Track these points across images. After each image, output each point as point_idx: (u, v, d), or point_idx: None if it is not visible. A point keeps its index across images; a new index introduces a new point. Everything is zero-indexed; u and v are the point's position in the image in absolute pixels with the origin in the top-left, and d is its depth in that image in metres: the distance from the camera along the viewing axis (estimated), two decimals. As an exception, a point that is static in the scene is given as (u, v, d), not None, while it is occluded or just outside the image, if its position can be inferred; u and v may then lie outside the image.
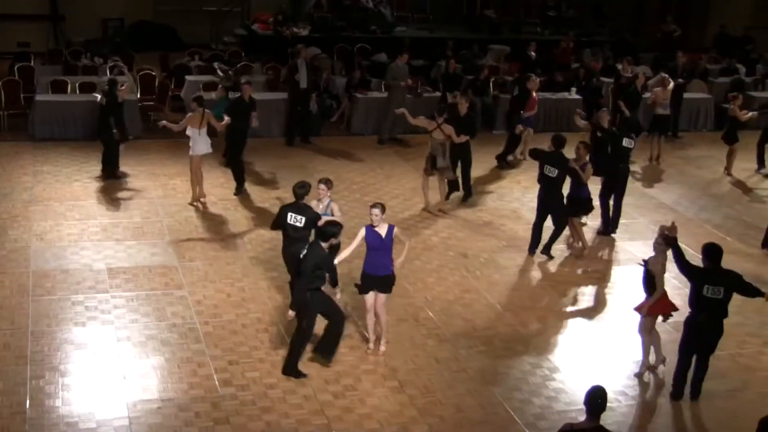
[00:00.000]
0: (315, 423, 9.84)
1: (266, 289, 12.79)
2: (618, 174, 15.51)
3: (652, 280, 10.99)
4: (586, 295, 13.62)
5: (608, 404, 10.24)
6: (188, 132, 15.72)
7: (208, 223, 15.28)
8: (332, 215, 11.90)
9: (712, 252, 10.40)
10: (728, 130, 19.61)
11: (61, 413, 9.72)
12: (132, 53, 24.41)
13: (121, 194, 16.40)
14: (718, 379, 11.04)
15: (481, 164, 18.92)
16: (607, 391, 10.64)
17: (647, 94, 21.41)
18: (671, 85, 20.52)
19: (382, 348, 11.35)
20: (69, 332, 11.45)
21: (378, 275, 11.08)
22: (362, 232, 11.05)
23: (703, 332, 10.43)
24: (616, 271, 14.55)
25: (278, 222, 11.87)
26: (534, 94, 19.35)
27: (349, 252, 11.27)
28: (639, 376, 11.21)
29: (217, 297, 12.57)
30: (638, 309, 11.24)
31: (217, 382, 10.47)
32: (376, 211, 10.96)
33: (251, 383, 10.51)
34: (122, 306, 12.20)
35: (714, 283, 10.24)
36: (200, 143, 15.71)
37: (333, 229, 10.73)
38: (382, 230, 10.97)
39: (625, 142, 15.39)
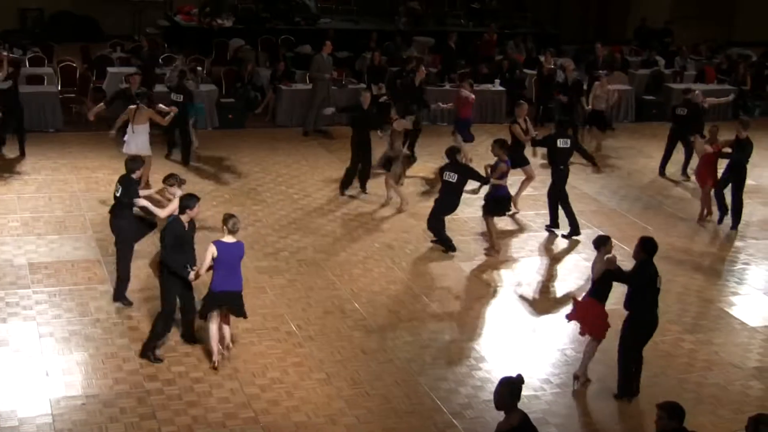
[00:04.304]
0: (242, 416, 9.81)
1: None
2: (557, 175, 15.39)
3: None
4: (511, 286, 13.76)
5: (534, 392, 10.47)
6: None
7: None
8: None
9: (652, 245, 10.47)
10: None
11: (-18, 411, 9.57)
12: (52, 44, 23.98)
13: (43, 188, 16.12)
14: (639, 366, 11.27)
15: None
16: (533, 378, 10.87)
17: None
18: (608, 86, 20.85)
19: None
20: (-11, 329, 11.26)
21: (237, 289, 10.51)
22: (212, 249, 10.14)
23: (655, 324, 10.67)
24: (539, 262, 14.74)
25: None
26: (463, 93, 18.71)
27: (205, 269, 10.33)
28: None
29: (141, 291, 12.43)
30: None
31: (142, 377, 10.37)
32: (231, 222, 10.27)
33: (177, 377, 10.43)
34: (44, 301, 12.01)
35: (657, 273, 10.48)
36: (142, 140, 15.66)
37: (187, 201, 10.52)
38: (230, 240, 10.29)
39: (560, 143, 15.19)
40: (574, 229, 15.45)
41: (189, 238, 10.68)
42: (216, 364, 10.56)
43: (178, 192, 11.70)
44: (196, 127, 18.76)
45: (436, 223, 14.51)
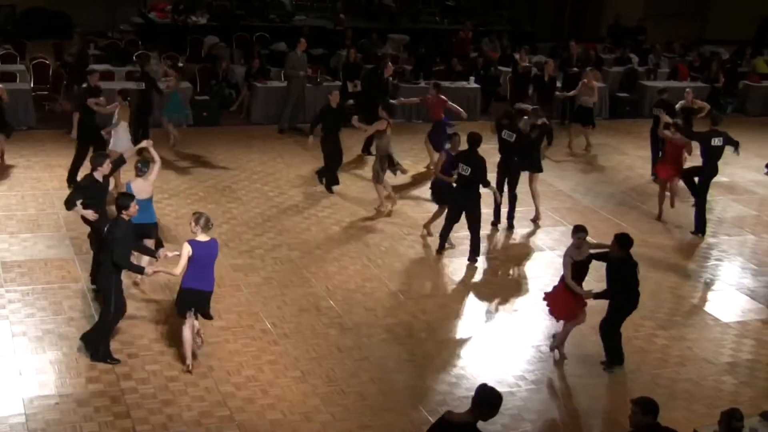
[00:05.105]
0: (217, 415, 9.79)
1: (164, 280, 12.60)
2: (505, 165, 15.43)
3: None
4: (487, 282, 13.80)
5: (509, 389, 10.51)
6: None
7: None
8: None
9: (628, 241, 10.89)
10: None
11: (-46, 411, 9.49)
12: (24, 41, 23.77)
13: (15, 186, 16.00)
14: (613, 362, 11.38)
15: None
16: (508, 375, 10.91)
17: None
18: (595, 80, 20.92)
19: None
20: (-38, 328, 11.16)
21: (208, 290, 10.47)
22: (187, 249, 10.06)
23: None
24: (514, 258, 14.78)
25: None
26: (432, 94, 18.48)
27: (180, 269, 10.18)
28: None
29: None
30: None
31: (116, 376, 10.32)
32: (203, 220, 10.25)
33: (152, 376, 10.39)
34: (17, 300, 11.92)
35: (636, 264, 11.01)
36: (125, 138, 15.52)
37: (122, 201, 10.45)
38: (204, 239, 10.25)
39: (504, 135, 15.32)
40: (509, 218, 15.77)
41: (132, 236, 10.64)
42: (190, 368, 10.51)
43: (138, 181, 11.84)
44: (180, 124, 18.86)
45: (452, 220, 14.30)
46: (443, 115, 18.25)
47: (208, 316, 10.64)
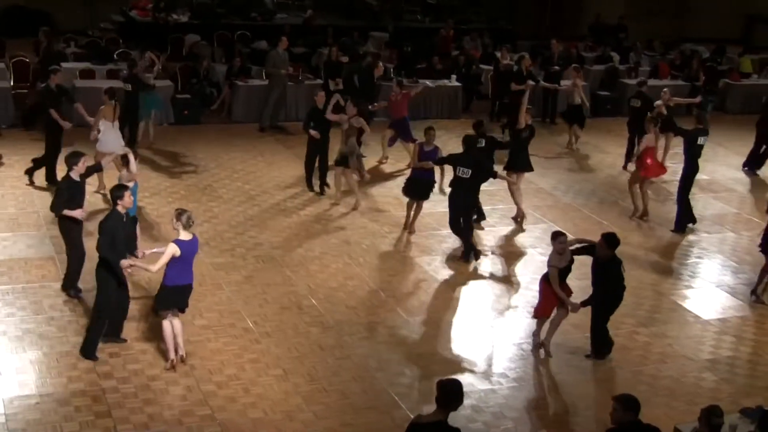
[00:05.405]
0: (198, 413, 9.76)
1: (146, 280, 12.56)
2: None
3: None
4: (467, 280, 13.80)
5: (491, 387, 10.52)
6: (99, 126, 15.38)
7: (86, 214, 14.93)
8: None
9: (615, 240, 11.18)
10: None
11: (-67, 412, 9.43)
12: (4, 39, 23.67)
13: (-5, 185, 15.95)
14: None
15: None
16: (490, 372, 10.92)
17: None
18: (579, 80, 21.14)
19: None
20: (-59, 328, 11.10)
21: (190, 282, 10.48)
22: (174, 249, 10.01)
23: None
24: (495, 257, 14.78)
25: None
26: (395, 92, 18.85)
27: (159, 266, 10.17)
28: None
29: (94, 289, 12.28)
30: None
31: (97, 375, 10.28)
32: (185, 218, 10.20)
33: (133, 375, 10.35)
34: (-3, 300, 11.89)
35: (620, 261, 11.29)
36: (112, 138, 15.39)
37: (115, 192, 10.47)
38: (187, 237, 10.26)
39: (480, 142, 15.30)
40: (480, 215, 15.71)
41: (124, 230, 10.59)
42: (173, 363, 10.49)
43: (123, 172, 12.00)
44: (160, 123, 18.89)
45: (455, 224, 14.19)
46: (406, 113, 18.65)
47: (183, 309, 10.58)
